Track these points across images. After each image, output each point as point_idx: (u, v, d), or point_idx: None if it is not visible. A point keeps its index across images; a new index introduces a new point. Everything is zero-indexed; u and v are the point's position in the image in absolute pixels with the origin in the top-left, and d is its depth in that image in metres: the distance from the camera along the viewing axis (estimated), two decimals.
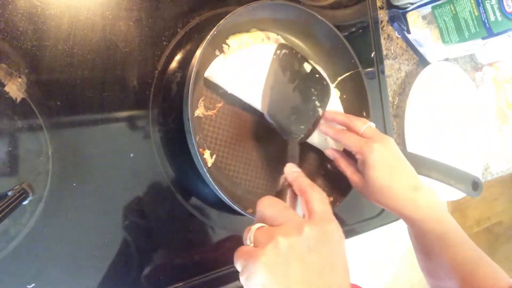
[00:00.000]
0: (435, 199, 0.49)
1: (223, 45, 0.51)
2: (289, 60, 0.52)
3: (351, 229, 0.65)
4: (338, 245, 0.33)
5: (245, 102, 0.53)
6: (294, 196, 0.39)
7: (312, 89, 0.54)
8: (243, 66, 0.51)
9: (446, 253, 0.48)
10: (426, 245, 0.50)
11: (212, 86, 0.51)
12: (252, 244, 0.32)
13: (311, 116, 0.53)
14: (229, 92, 0.51)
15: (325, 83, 0.55)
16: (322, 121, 0.54)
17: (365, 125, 0.51)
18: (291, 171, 0.40)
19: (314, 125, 0.53)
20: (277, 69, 0.50)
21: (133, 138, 0.48)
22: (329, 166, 0.60)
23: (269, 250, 0.30)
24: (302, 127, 0.52)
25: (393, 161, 0.49)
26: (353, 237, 0.65)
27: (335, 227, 0.33)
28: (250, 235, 0.33)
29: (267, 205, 0.34)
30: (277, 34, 0.56)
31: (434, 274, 0.52)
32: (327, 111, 0.54)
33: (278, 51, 0.51)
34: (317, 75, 0.54)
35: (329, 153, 0.55)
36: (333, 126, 0.55)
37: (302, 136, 0.51)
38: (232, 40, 0.52)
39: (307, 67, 0.53)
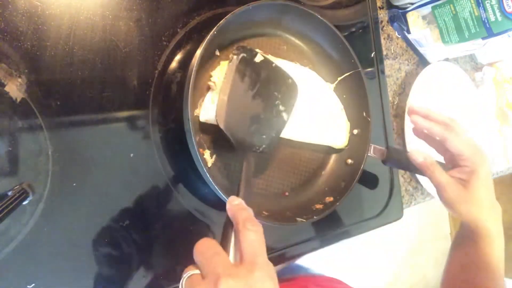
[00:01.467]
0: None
1: (209, 83, 0.50)
2: (248, 64, 0.48)
3: (351, 229, 0.65)
4: None
5: None
6: None
7: (276, 93, 0.49)
8: None
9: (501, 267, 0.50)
10: (491, 259, 0.50)
11: None
12: None
13: (274, 123, 0.49)
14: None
15: (290, 81, 0.50)
16: (417, 116, 0.52)
17: (465, 134, 0.50)
18: (231, 205, 0.36)
19: (278, 132, 0.49)
20: (235, 76, 0.46)
21: (133, 138, 0.48)
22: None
23: None
24: (264, 137, 0.48)
25: (490, 175, 0.50)
26: (353, 237, 0.65)
27: (259, 276, 0.30)
28: (182, 283, 0.32)
29: (198, 251, 0.33)
30: (260, 51, 0.54)
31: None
32: (422, 107, 0.52)
33: (235, 56, 0.47)
34: (282, 74, 0.50)
35: (419, 157, 0.51)
36: (436, 123, 0.52)
37: (263, 146, 0.48)
38: (215, 75, 0.50)
39: (259, 58, 0.49)
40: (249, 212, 0.35)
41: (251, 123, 0.47)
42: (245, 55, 0.48)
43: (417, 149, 0.52)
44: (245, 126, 0.47)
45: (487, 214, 0.49)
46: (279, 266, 0.66)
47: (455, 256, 0.55)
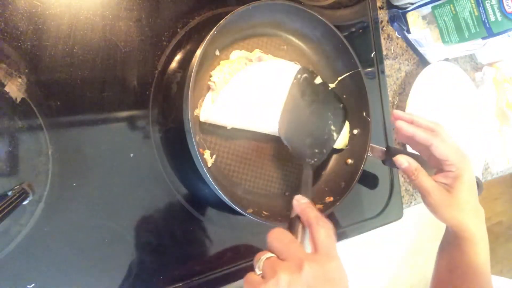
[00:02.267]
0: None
1: (209, 83, 0.50)
2: (309, 84, 0.53)
3: (351, 229, 0.65)
4: (338, 284, 0.34)
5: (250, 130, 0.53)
6: (304, 227, 0.40)
7: (329, 113, 0.54)
8: (235, 97, 0.50)
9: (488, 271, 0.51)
10: (476, 262, 0.50)
11: None
12: (260, 272, 0.34)
13: (325, 140, 0.54)
14: (229, 128, 0.51)
15: (341, 106, 0.55)
16: (402, 122, 0.52)
17: (451, 139, 0.50)
18: (299, 202, 0.40)
19: (327, 149, 0.54)
20: (296, 93, 0.51)
21: (133, 138, 0.48)
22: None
23: (270, 286, 0.32)
24: (316, 151, 0.52)
25: (474, 179, 0.51)
26: (353, 237, 0.65)
27: (336, 266, 0.34)
28: (259, 264, 0.35)
29: (275, 238, 0.36)
30: (260, 51, 0.55)
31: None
32: (407, 112, 0.54)
33: (299, 75, 0.52)
34: (335, 98, 0.55)
35: (404, 162, 0.51)
36: (421, 129, 0.52)
37: (315, 160, 0.52)
38: (215, 75, 0.50)
39: (319, 80, 0.55)
40: (317, 210, 0.39)
41: (307, 136, 0.52)
42: (307, 75, 0.53)
43: (400, 155, 0.53)
44: (301, 138, 0.52)
45: (470, 218, 0.50)
46: None
47: (441, 261, 0.55)
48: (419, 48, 0.80)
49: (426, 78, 0.78)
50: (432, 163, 0.52)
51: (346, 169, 0.60)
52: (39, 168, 0.42)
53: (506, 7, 0.64)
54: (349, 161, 0.60)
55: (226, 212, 0.53)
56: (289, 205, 0.55)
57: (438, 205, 0.49)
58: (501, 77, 0.95)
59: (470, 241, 0.50)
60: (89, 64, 0.45)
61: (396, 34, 0.79)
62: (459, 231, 0.50)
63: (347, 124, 0.61)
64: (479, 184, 0.60)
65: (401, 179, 0.77)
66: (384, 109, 0.71)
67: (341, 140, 0.60)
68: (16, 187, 0.40)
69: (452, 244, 0.52)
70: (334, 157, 0.62)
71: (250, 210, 0.49)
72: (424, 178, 0.50)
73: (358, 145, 0.60)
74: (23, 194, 0.39)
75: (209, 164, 0.50)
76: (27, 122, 0.41)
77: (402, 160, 0.52)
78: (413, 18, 0.75)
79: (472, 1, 0.67)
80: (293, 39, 0.59)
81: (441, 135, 0.50)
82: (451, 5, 0.69)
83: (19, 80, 0.41)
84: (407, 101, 0.76)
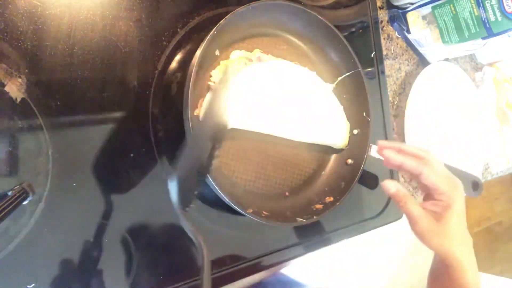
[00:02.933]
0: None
1: (209, 83, 0.50)
2: None
3: (351, 229, 0.65)
4: None
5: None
6: None
7: None
8: (235, 97, 0.50)
9: None
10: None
11: None
12: None
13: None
14: (229, 128, 0.50)
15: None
16: (390, 151, 0.49)
17: (441, 166, 0.49)
18: None
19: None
20: None
21: (133, 138, 0.48)
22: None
23: None
24: None
25: (464, 208, 0.49)
26: (353, 237, 0.65)
27: None
28: None
29: None
30: (260, 51, 0.54)
31: None
32: (393, 141, 0.49)
33: None
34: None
35: (392, 187, 0.49)
36: (409, 157, 0.49)
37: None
38: (215, 75, 0.50)
39: None
40: None
41: None
42: None
43: (389, 180, 0.50)
44: None
45: (458, 247, 0.48)
46: (275, 269, 0.66)
47: None
48: (419, 48, 0.80)
49: (426, 78, 0.78)
50: (422, 189, 0.51)
51: (346, 169, 0.60)
52: (39, 168, 0.42)
53: (506, 7, 0.64)
54: (349, 161, 0.60)
55: (226, 212, 0.53)
56: (289, 205, 0.55)
57: (426, 233, 0.48)
58: (501, 77, 0.95)
59: (459, 269, 0.49)
60: (89, 64, 0.45)
61: (396, 34, 0.79)
62: (447, 260, 0.49)
63: (347, 124, 0.61)
64: (479, 184, 0.60)
65: (401, 180, 0.77)
66: (384, 109, 0.71)
67: (341, 140, 0.60)
68: (16, 187, 0.40)
69: (441, 273, 0.51)
70: (334, 157, 0.62)
71: (250, 210, 0.49)
72: (412, 206, 0.48)
73: (358, 145, 0.60)
74: (23, 194, 0.39)
75: None
76: (27, 122, 0.41)
77: (390, 185, 0.49)
78: (413, 18, 0.75)
79: (472, 1, 0.67)
80: (293, 39, 0.59)
81: (430, 162, 0.48)
82: (451, 5, 0.69)
83: (19, 80, 0.41)
84: (407, 101, 0.76)
